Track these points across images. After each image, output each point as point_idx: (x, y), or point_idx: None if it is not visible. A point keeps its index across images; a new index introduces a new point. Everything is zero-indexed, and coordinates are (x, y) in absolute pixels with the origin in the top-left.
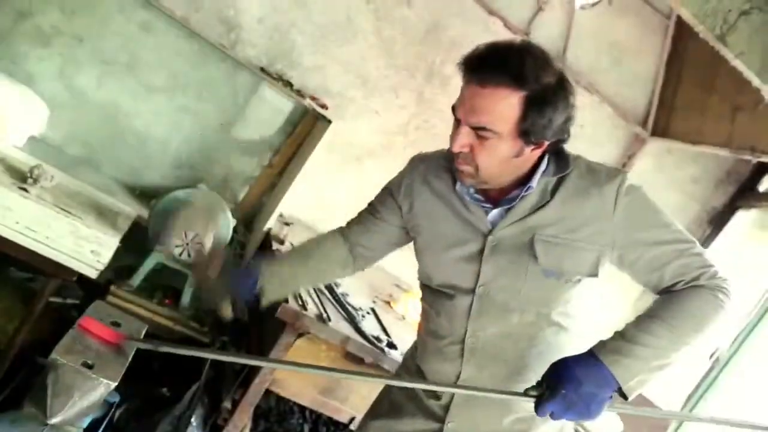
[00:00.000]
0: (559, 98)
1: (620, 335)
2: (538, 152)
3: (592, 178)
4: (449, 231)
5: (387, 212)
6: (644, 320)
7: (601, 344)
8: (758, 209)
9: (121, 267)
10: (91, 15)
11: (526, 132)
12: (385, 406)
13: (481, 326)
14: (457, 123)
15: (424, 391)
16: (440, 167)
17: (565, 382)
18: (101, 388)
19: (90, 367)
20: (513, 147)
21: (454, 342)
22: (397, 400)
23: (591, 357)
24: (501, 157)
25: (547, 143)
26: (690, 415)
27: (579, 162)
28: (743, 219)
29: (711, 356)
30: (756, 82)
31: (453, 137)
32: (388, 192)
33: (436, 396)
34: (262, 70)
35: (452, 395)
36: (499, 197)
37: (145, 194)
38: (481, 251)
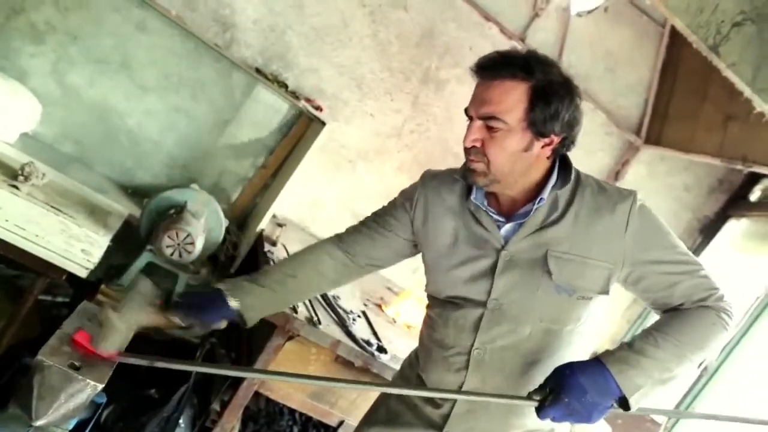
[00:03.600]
0: (566, 93)
1: (628, 346)
2: (547, 151)
3: (604, 196)
4: (462, 247)
5: (397, 225)
6: (651, 334)
7: (609, 353)
8: (749, 218)
9: (112, 266)
10: (86, 13)
11: (534, 123)
12: (382, 413)
13: (490, 338)
14: (470, 121)
15: (423, 399)
16: (453, 182)
17: (569, 390)
18: (88, 390)
19: (77, 368)
20: (522, 139)
21: (461, 353)
22: (394, 408)
23: (598, 365)
24: (511, 149)
25: (556, 139)
26: (682, 412)
27: (590, 180)
28: (734, 228)
29: (699, 365)
30: (747, 92)
31: (465, 135)
32: (400, 205)
33: (435, 404)
34: (258, 71)
35: (453, 404)
36: (511, 212)
37: (137, 193)
38: (494, 266)
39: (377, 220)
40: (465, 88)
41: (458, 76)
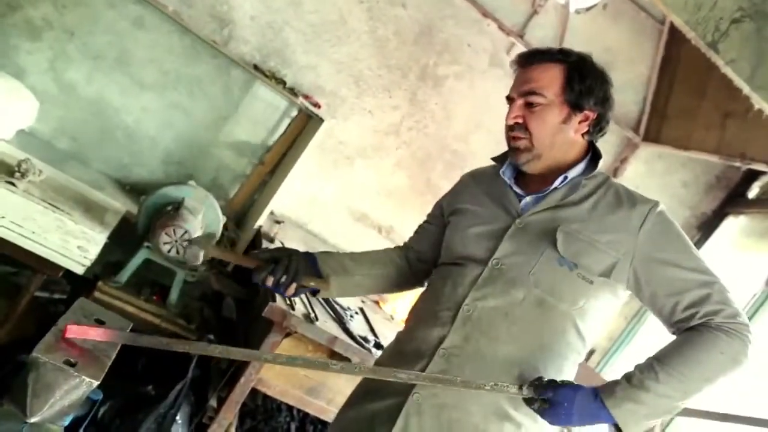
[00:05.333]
0: (598, 74)
1: (627, 380)
2: (584, 127)
3: (627, 196)
4: (482, 209)
5: (432, 216)
6: (653, 366)
7: (610, 389)
8: (747, 216)
9: (109, 262)
10: (83, 9)
11: (570, 96)
12: (359, 393)
13: (482, 296)
14: (510, 104)
15: (399, 364)
16: (486, 169)
17: (559, 409)
18: (83, 386)
19: (72, 365)
20: (561, 112)
21: (450, 308)
22: (369, 385)
23: (595, 399)
24: (551, 122)
25: (591, 115)
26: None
27: (618, 184)
28: (732, 225)
29: None
30: (746, 89)
31: (507, 114)
32: (438, 200)
33: (410, 367)
34: (256, 67)
35: (426, 366)
36: (537, 190)
37: (134, 190)
38: (506, 230)
39: (426, 217)
40: (463, 84)
41: (456, 73)
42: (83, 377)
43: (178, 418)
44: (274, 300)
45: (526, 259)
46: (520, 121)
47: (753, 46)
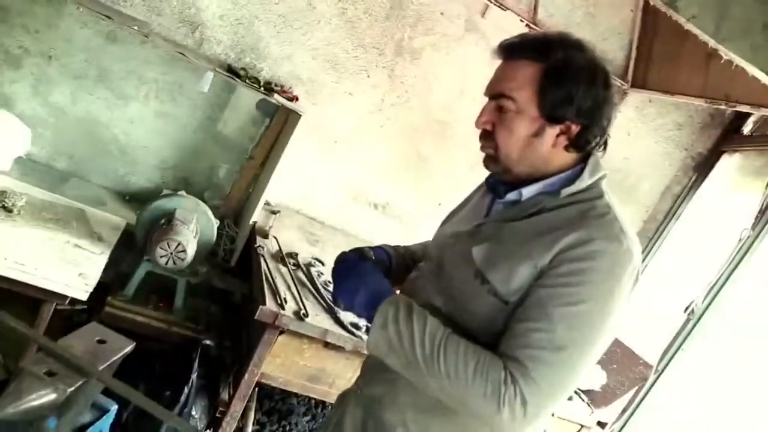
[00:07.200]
0: (583, 77)
1: (407, 313)
2: (563, 140)
3: (586, 220)
4: (464, 211)
5: None
6: (438, 333)
7: (400, 301)
8: (741, 153)
9: (121, 272)
10: (55, 32)
11: (544, 106)
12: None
13: (413, 294)
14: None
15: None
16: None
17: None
18: (56, 393)
19: (52, 374)
20: (531, 124)
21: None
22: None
23: (374, 298)
24: (519, 133)
25: (573, 128)
26: None
27: (602, 204)
28: (727, 164)
29: (686, 309)
30: (712, 43)
31: (477, 117)
32: None
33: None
34: (229, 68)
35: (371, 364)
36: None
37: (135, 199)
38: (468, 232)
39: None
40: (440, 54)
41: (432, 43)
42: (57, 385)
43: (193, 413)
44: (264, 303)
45: (458, 260)
46: (488, 127)
47: None
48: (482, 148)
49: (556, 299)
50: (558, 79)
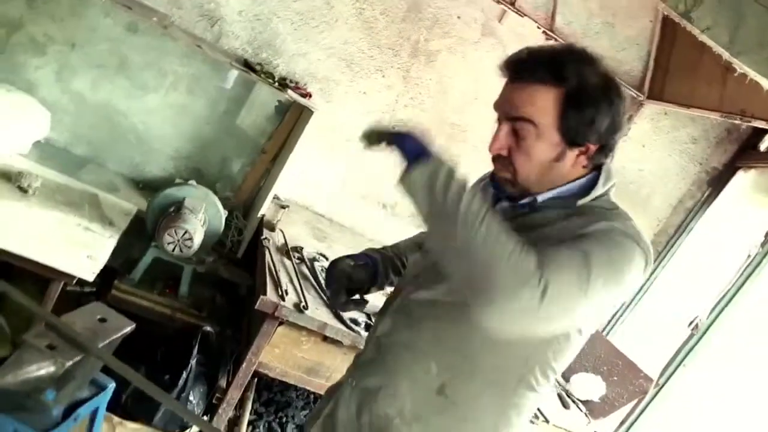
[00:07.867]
0: (603, 98)
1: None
2: (583, 160)
3: (590, 220)
4: None
5: None
6: (483, 208)
7: (449, 165)
8: (757, 170)
9: (130, 258)
10: (79, 21)
11: (566, 132)
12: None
13: (416, 287)
14: (498, 124)
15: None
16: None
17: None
18: (54, 365)
19: (53, 348)
20: (553, 149)
21: (396, 297)
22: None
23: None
24: (540, 159)
25: (592, 148)
26: None
27: (612, 216)
28: (743, 179)
29: (690, 324)
30: (726, 56)
31: (491, 140)
32: None
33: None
34: (246, 62)
35: (363, 353)
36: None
37: (148, 187)
38: None
39: None
40: (456, 57)
41: (448, 46)
42: (57, 358)
43: (191, 398)
44: (265, 293)
45: None
46: (504, 153)
47: (727, 10)
48: (498, 172)
49: (578, 245)
50: (578, 104)
